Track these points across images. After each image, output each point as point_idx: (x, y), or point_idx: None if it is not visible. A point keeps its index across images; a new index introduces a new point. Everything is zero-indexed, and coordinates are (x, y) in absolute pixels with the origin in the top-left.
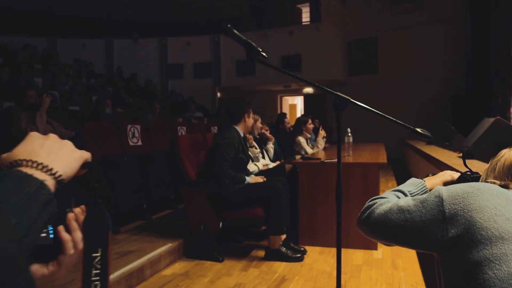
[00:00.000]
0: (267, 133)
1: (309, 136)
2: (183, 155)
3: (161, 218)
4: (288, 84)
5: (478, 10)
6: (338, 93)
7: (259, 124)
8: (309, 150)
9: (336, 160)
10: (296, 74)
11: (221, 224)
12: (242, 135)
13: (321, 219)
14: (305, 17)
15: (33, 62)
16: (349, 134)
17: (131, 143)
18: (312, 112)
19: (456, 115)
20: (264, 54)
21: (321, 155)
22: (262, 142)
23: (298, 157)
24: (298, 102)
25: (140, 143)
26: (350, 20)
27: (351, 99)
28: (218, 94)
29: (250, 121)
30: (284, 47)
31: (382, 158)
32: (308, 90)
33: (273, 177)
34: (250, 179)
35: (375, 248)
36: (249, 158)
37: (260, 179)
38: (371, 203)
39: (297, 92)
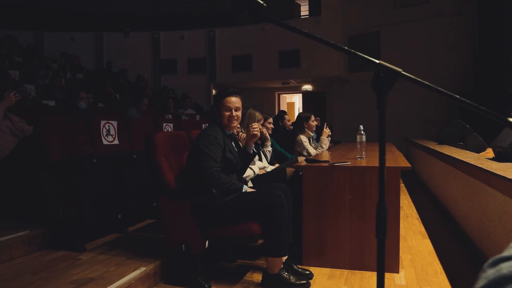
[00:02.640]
0: (265, 132)
1: (311, 134)
2: (160, 157)
3: (139, 231)
4: (287, 80)
5: (487, 2)
6: (381, 62)
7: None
8: (312, 151)
9: (349, 163)
10: (294, 70)
11: (207, 243)
12: (228, 132)
13: (330, 235)
14: (304, 10)
15: (14, 55)
16: (362, 132)
17: (105, 142)
18: (311, 111)
19: (464, 113)
20: (261, 1)
21: (327, 156)
22: (261, 142)
23: (301, 159)
24: (296, 100)
25: (116, 141)
26: (352, 13)
27: (403, 72)
28: (213, 91)
29: (224, 114)
30: (282, 42)
31: (403, 161)
32: (307, 87)
33: (272, 184)
34: (248, 189)
35: (397, 270)
36: (239, 160)
37: None
38: (504, 274)
39: (295, 90)
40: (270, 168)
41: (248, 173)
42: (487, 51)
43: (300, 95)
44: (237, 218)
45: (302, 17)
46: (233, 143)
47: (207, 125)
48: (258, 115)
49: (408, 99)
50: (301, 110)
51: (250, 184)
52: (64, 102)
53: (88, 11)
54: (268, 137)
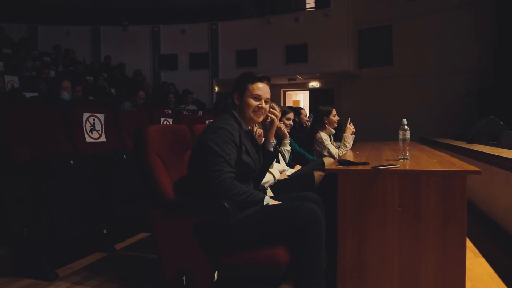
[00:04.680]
0: (283, 129)
1: (333, 131)
2: (152, 158)
3: (130, 248)
4: (293, 77)
5: None
6: None
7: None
8: (334, 150)
9: (397, 166)
10: (301, 65)
11: (216, 275)
12: (245, 127)
13: (374, 257)
14: (310, 2)
15: (3, 47)
16: (406, 127)
17: (89, 139)
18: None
19: (484, 110)
20: None
21: (357, 157)
22: (278, 140)
23: (328, 160)
24: (301, 98)
25: (103, 139)
26: (362, 6)
27: None
28: (216, 88)
29: (250, 103)
30: (289, 36)
31: (462, 163)
32: (314, 84)
33: (300, 193)
34: (271, 201)
35: None
36: (259, 164)
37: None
38: None
39: (302, 87)
40: (290, 171)
41: (267, 178)
42: (507, 45)
43: (306, 92)
44: (257, 241)
45: (308, 9)
46: (250, 142)
47: (214, 119)
48: (272, 104)
49: (422, 97)
50: (307, 108)
51: (270, 192)
52: (46, 93)
53: (84, 3)
54: (287, 134)
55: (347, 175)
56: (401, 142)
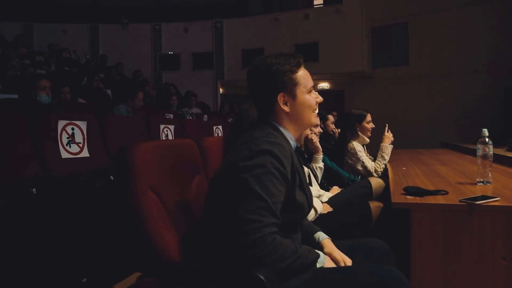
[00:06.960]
0: (316, 141)
1: (367, 140)
2: (143, 194)
3: None
4: None
5: None
6: None
7: (307, 130)
8: (370, 164)
9: (497, 199)
10: (312, 66)
11: None
12: (295, 143)
13: None
14: None
15: None
16: (487, 139)
17: (65, 155)
18: (328, 111)
19: (511, 112)
20: None
21: (399, 174)
22: (308, 156)
23: (376, 181)
24: None
25: (85, 153)
26: (376, 2)
27: None
28: (221, 90)
29: (311, 102)
30: (298, 34)
31: None
32: (324, 85)
33: (360, 241)
34: (327, 260)
35: None
36: (312, 200)
37: (347, 260)
38: None
39: None
40: (326, 195)
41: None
42: None
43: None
44: None
45: (318, 5)
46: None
47: (220, 127)
48: None
49: (441, 98)
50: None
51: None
52: (19, 95)
53: (82, 1)
54: (320, 147)
55: (425, 211)
56: (480, 160)
